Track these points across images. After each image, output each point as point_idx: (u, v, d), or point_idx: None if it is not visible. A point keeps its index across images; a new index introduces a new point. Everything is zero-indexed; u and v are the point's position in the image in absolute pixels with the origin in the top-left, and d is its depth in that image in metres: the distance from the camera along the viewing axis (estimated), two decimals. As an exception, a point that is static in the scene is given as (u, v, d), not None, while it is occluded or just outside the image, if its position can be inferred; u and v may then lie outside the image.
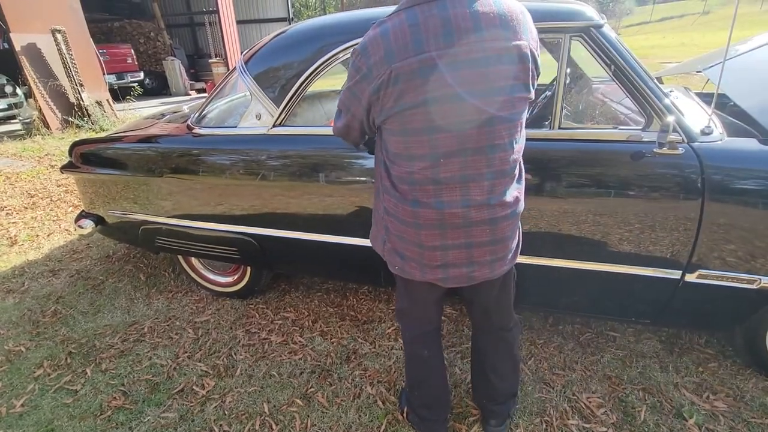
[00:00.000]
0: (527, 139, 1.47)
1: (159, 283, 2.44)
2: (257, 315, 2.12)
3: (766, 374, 1.63)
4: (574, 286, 1.61)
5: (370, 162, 1.59)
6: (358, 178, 1.62)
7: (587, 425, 1.47)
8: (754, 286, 1.38)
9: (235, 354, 1.85)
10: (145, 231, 2.12)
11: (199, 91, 11.31)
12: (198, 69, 12.72)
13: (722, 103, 1.98)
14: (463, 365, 1.76)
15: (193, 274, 2.30)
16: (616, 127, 1.43)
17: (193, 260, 2.26)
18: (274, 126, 1.71)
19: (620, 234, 1.44)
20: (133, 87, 7.81)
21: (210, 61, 10.92)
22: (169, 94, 11.22)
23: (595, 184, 1.41)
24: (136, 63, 10.43)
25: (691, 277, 1.42)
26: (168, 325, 2.06)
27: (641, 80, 1.34)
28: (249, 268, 2.13)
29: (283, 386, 1.67)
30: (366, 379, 1.70)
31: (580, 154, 1.43)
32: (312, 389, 1.65)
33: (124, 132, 2.26)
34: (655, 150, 1.33)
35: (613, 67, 1.37)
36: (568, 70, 2.36)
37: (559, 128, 1.45)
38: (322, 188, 1.67)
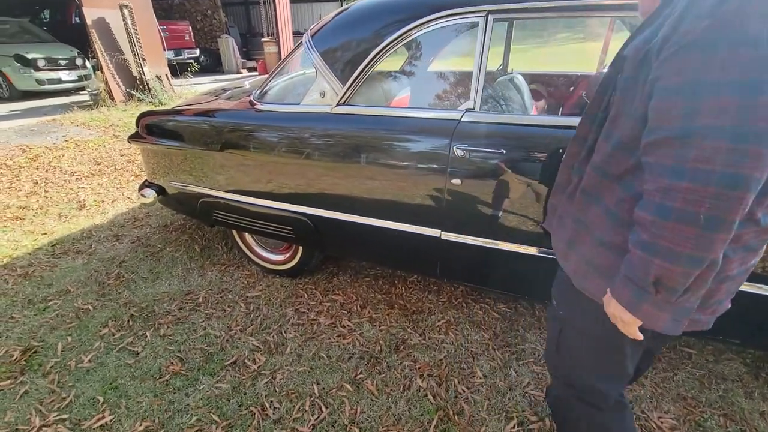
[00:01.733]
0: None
1: (212, 255, 2.50)
2: (306, 295, 2.12)
3: None
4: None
5: (432, 145, 1.49)
6: (422, 164, 1.54)
7: (659, 448, 1.35)
8: None
9: (284, 332, 1.86)
10: (203, 204, 2.16)
11: (250, 69, 11.52)
12: (250, 48, 12.94)
13: None
14: (518, 367, 1.66)
15: (245, 250, 2.33)
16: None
17: (247, 236, 2.29)
18: (338, 105, 1.65)
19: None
20: (191, 63, 8.07)
21: (262, 40, 11.05)
22: (221, 72, 11.52)
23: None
24: (193, 40, 10.75)
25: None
26: (221, 297, 2.11)
27: None
28: (300, 248, 2.12)
29: (332, 369, 1.66)
30: (416, 371, 1.65)
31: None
32: (361, 375, 1.63)
33: (188, 105, 2.29)
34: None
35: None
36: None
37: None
38: (384, 172, 1.61)
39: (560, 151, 1.36)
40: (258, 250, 2.31)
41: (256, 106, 1.88)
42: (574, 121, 1.38)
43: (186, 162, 2.13)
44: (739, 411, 1.47)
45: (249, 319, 1.95)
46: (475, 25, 1.43)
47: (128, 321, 1.93)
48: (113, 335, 1.85)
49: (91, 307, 2.03)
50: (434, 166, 1.51)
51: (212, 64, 11.88)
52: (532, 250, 1.48)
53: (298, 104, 1.76)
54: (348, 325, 1.91)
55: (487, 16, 1.39)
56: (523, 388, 1.57)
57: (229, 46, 11.26)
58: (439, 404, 1.51)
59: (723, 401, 1.51)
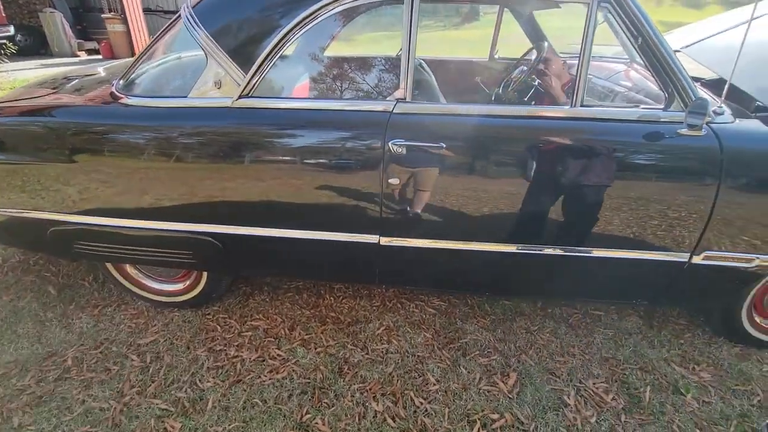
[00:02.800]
0: (540, 118, 1.35)
1: (77, 296, 1.92)
2: (219, 327, 1.77)
3: (734, 341, 1.76)
4: (582, 274, 1.55)
5: (363, 141, 1.32)
6: (353, 163, 1.35)
7: (602, 414, 1.44)
8: (750, 266, 1.42)
9: (200, 381, 1.51)
10: (55, 234, 1.60)
11: (89, 51, 9.53)
12: (87, 25, 10.64)
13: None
14: (466, 363, 1.63)
15: (126, 283, 1.83)
16: (637, 106, 1.35)
17: (127, 266, 1.80)
18: (240, 97, 1.34)
19: (635, 219, 1.39)
20: (4, 44, 6.22)
21: (104, 16, 9.17)
22: (49, 55, 9.28)
23: (614, 168, 1.33)
24: (4, 14, 8.37)
25: (697, 259, 1.43)
26: (101, 353, 1.62)
27: (668, 55, 1.26)
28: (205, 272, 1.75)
29: (272, 416, 1.39)
30: (368, 393, 1.49)
31: (601, 134, 1.33)
32: (308, 415, 1.40)
33: (15, 101, 1.66)
34: (680, 131, 1.27)
35: (640, 39, 1.26)
36: (546, 44, 2.28)
37: (581, 106, 1.32)
38: (307, 175, 1.37)
39: (501, 140, 1.32)
40: (145, 281, 1.84)
41: (122, 100, 1.44)
42: (515, 110, 1.37)
43: (19, 179, 1.54)
44: (650, 361, 1.67)
45: (147, 375, 1.53)
46: (399, 3, 1.27)
47: (-49, 417, 1.35)
48: (-74, 445, 1.26)
49: None
50: (367, 164, 1.34)
51: (35, 45, 9.47)
52: (481, 246, 1.43)
53: (185, 97, 1.39)
54: (279, 355, 1.64)
55: (412, -6, 1.25)
56: (476, 385, 1.54)
57: (56, 23, 9.08)
58: (400, 426, 1.38)
59: (636, 355, 1.70)
